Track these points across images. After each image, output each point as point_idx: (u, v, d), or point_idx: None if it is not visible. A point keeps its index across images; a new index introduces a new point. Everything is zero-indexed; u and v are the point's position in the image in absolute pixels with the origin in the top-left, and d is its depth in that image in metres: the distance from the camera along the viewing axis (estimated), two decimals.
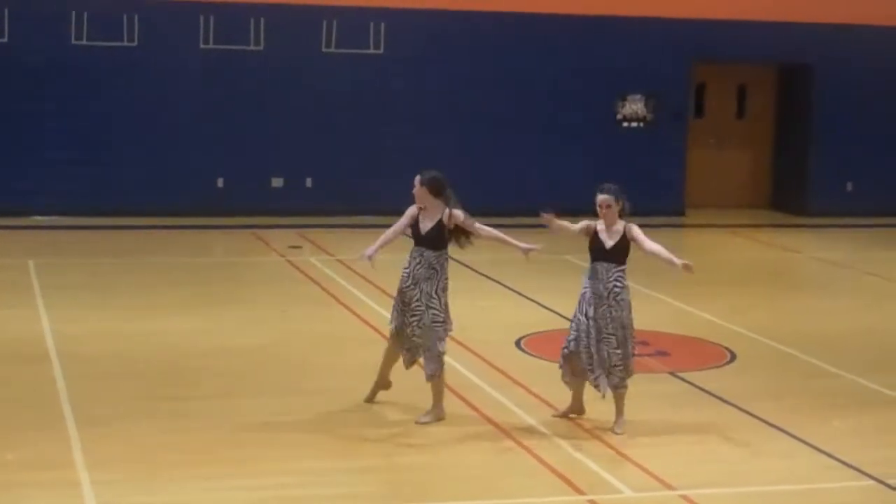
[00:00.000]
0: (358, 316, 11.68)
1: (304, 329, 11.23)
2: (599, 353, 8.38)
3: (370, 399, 8.85)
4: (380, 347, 10.50)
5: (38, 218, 17.04)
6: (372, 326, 11.26)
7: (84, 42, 17.33)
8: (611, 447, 8.03)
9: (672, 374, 10.02)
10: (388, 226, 17.60)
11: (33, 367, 9.61)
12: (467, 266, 14.49)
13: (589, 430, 8.37)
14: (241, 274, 14.03)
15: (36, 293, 12.17)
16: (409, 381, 9.57)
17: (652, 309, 12.26)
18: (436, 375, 8.48)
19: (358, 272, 13.75)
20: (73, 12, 17.26)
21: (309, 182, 18.16)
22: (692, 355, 10.90)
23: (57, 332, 10.68)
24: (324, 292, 12.76)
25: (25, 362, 9.74)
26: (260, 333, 11.00)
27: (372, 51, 18.16)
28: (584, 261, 14.76)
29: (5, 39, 17.15)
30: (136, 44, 17.46)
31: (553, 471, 7.59)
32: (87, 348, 10.24)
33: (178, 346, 10.44)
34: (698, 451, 8.16)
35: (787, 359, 10.65)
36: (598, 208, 8.59)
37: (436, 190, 8.86)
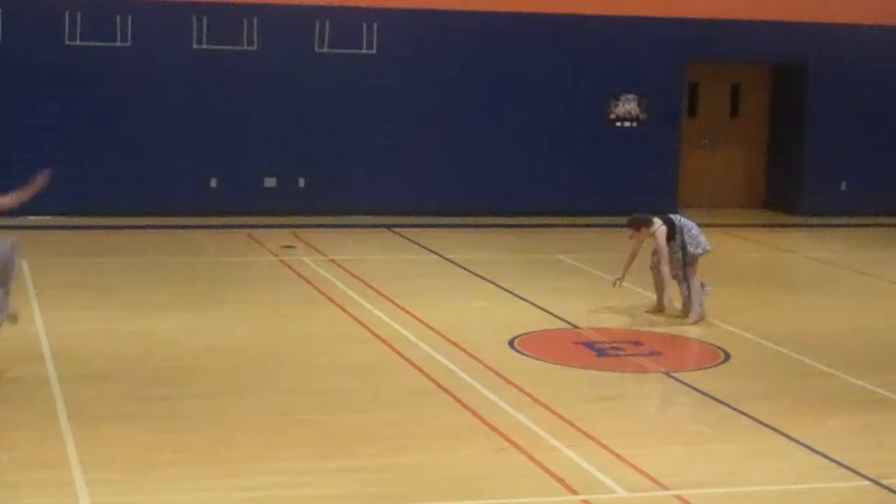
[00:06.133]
0: (351, 315, 11.67)
1: (297, 329, 11.22)
2: None
3: None
4: (373, 347, 10.55)
5: (32, 218, 17.00)
6: (365, 326, 11.25)
7: (77, 42, 17.31)
8: (605, 447, 8.03)
9: (666, 374, 10.02)
10: (384, 225, 17.66)
11: (27, 366, 9.59)
12: (460, 266, 14.51)
13: (584, 430, 8.37)
14: (234, 274, 14.01)
15: (30, 293, 12.14)
16: (401, 386, 9.58)
17: (646, 308, 12.26)
18: None
19: (351, 272, 13.75)
20: (67, 13, 17.23)
21: (302, 182, 18.15)
22: (686, 355, 10.91)
23: (51, 331, 10.67)
24: (317, 292, 12.75)
25: (19, 362, 9.71)
26: (253, 333, 10.98)
27: (365, 51, 18.15)
28: (578, 260, 14.96)
29: None
30: (129, 44, 17.44)
31: (547, 471, 7.58)
32: (80, 348, 10.22)
33: (172, 346, 10.43)
34: (692, 452, 8.16)
35: (781, 359, 10.66)
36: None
37: None
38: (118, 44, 17.42)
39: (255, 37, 17.80)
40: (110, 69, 17.43)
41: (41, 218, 17.03)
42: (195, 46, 17.65)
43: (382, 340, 10.74)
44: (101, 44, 17.36)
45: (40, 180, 9.35)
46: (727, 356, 10.66)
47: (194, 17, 17.60)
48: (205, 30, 17.65)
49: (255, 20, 17.77)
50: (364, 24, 18.08)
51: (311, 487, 7.29)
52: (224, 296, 12.53)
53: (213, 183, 17.91)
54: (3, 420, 8.23)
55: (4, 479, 7.18)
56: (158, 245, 15.69)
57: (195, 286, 13.08)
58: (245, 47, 17.79)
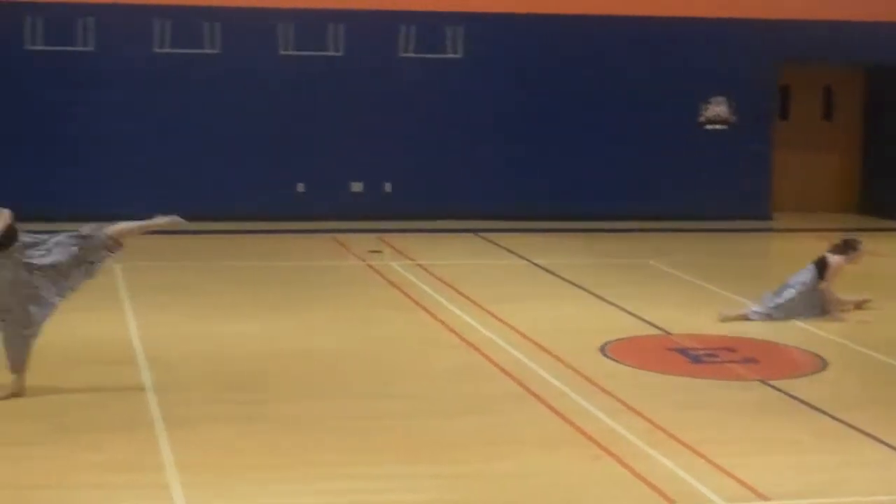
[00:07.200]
0: (439, 320, 11.62)
1: (385, 333, 11.18)
2: None
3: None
4: (461, 352, 10.48)
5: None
6: (453, 331, 11.19)
7: (166, 49, 17.51)
8: (702, 456, 7.87)
9: (762, 381, 9.81)
10: (470, 230, 17.49)
11: (120, 369, 9.66)
12: (548, 271, 14.39)
13: (680, 439, 8.22)
14: (321, 278, 14.04)
15: (122, 296, 12.26)
16: (490, 391, 9.48)
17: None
18: None
19: (438, 277, 13.71)
20: (156, 20, 17.43)
21: (388, 186, 18.17)
22: (782, 363, 10.68)
23: (143, 334, 10.76)
24: (404, 296, 12.72)
25: (113, 365, 9.79)
26: (341, 337, 10.98)
27: (450, 55, 18.12)
28: (668, 265, 14.76)
29: (90, 48, 17.36)
30: (218, 50, 17.60)
31: (643, 479, 7.45)
32: (172, 351, 10.28)
33: (262, 350, 10.45)
34: (791, 461, 7.97)
35: (881, 366, 10.40)
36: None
37: None
38: (206, 51, 17.58)
39: (342, 42, 17.86)
40: (199, 75, 17.61)
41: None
42: (282, 52, 17.76)
43: (471, 345, 10.67)
44: (189, 51, 17.53)
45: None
46: (825, 363, 10.42)
47: (279, 24, 17.71)
48: (291, 36, 17.75)
49: (342, 26, 17.83)
50: (449, 29, 18.05)
51: (400, 493, 7.23)
52: (312, 300, 12.55)
53: (300, 188, 17.99)
54: (98, 422, 8.29)
55: (101, 480, 7.22)
56: (246, 249, 15.79)
57: (284, 290, 13.12)
58: (332, 53, 17.85)
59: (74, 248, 8.77)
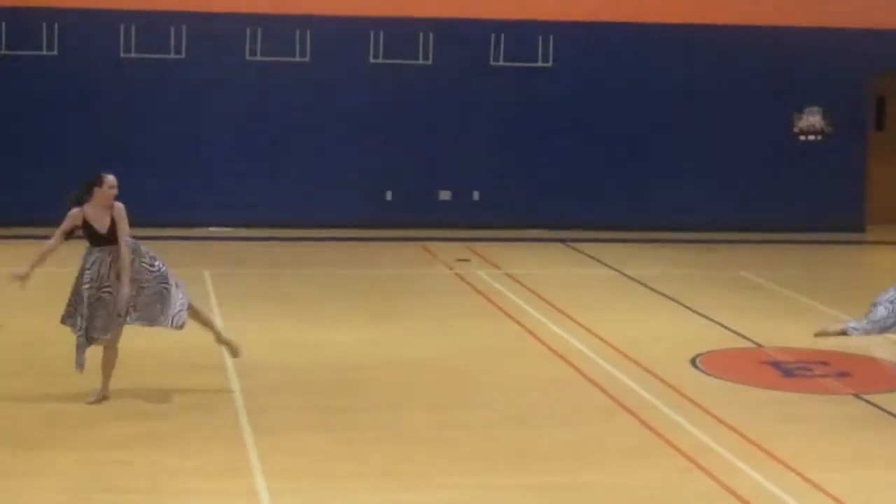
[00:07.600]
0: (527, 329, 11.57)
1: (473, 342, 11.16)
2: None
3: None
4: (549, 362, 10.42)
5: (213, 229, 17.42)
6: (542, 341, 11.13)
7: (257, 58, 17.72)
8: (793, 470, 7.74)
9: (856, 395, 9.63)
10: (558, 240, 17.34)
11: (210, 375, 9.75)
12: (638, 281, 14.26)
13: (771, 453, 8.09)
14: (408, 286, 14.07)
15: (211, 303, 12.38)
16: (579, 402, 9.40)
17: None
18: None
19: (526, 286, 13.66)
20: (249, 28, 17.63)
21: (476, 195, 18.16)
22: (876, 377, 10.47)
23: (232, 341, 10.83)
24: (492, 305, 12.69)
25: (202, 371, 9.89)
26: (428, 346, 10.98)
27: (541, 64, 18.08)
28: (761, 277, 14.54)
29: (182, 56, 17.59)
30: (307, 59, 17.76)
31: (733, 493, 7.34)
32: (260, 358, 10.34)
33: (348, 358, 10.49)
34: (883, 476, 7.81)
35: None
36: None
37: None
38: (296, 59, 17.74)
39: (431, 51, 17.91)
40: (287, 84, 17.76)
41: (221, 229, 17.44)
42: (372, 61, 17.85)
43: (559, 356, 10.61)
44: (280, 59, 17.70)
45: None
46: None
47: (371, 33, 17.80)
48: (382, 44, 17.84)
49: (431, 34, 17.88)
50: (540, 37, 18.01)
51: (489, 503, 7.20)
52: (400, 308, 12.58)
53: (389, 196, 18.06)
54: (188, 429, 8.37)
55: (191, 487, 7.29)
56: (334, 257, 15.88)
57: (371, 298, 13.17)
58: (420, 61, 17.91)
59: (162, 287, 8.98)
